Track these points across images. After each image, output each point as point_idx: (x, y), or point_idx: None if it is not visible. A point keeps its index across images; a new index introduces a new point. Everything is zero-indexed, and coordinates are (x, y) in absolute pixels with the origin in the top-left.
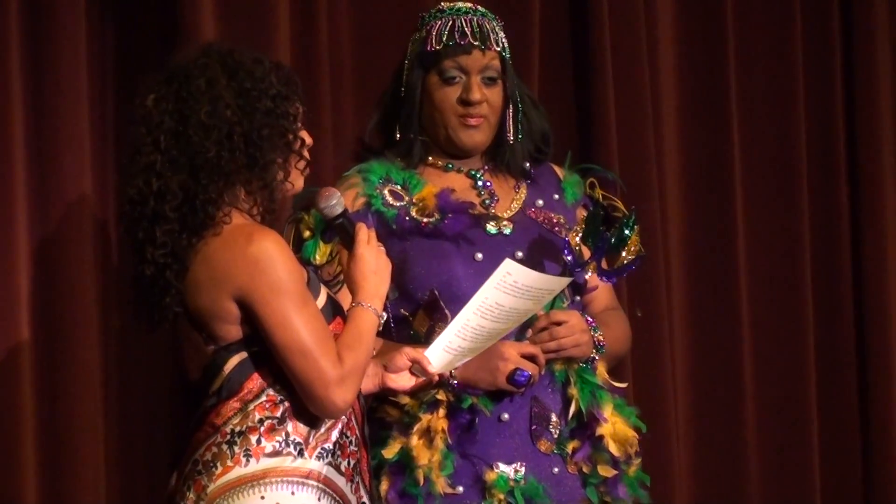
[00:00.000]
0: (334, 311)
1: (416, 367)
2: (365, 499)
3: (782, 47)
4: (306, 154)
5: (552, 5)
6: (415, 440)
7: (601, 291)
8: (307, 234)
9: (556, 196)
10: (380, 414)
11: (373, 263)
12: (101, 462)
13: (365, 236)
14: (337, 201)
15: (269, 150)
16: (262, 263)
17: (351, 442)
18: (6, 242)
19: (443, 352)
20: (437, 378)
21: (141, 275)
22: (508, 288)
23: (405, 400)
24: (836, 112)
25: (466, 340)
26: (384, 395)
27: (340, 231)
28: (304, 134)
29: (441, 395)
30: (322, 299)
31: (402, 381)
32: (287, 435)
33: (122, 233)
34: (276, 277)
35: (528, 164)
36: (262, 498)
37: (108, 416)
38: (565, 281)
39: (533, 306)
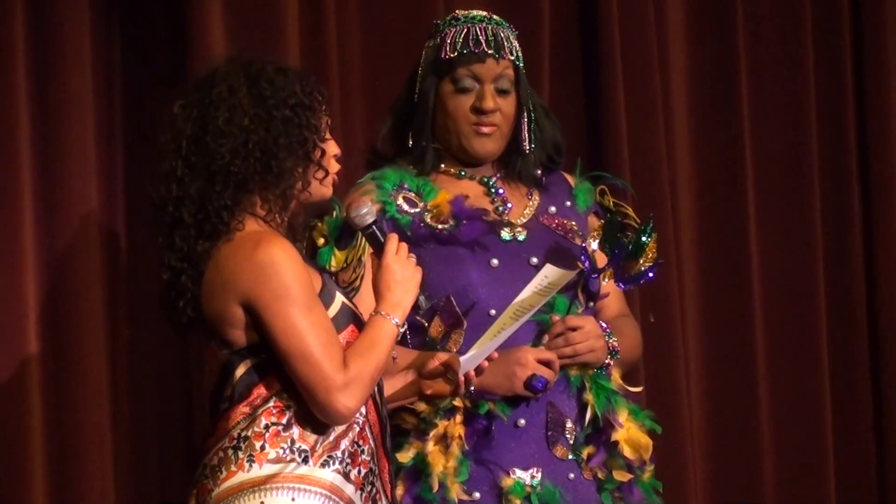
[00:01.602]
0: (350, 318)
1: (451, 372)
2: None
3: (793, 51)
4: (333, 164)
5: (562, 12)
6: (431, 446)
7: (613, 298)
8: (321, 241)
9: (568, 203)
10: (396, 421)
11: (398, 274)
12: (109, 472)
13: (394, 247)
14: (367, 211)
15: (285, 158)
16: (266, 269)
17: (363, 451)
18: (14, 252)
19: (475, 353)
20: (462, 380)
21: (161, 279)
22: (542, 290)
23: (421, 407)
24: (848, 114)
25: (494, 340)
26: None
27: (371, 241)
28: (331, 144)
29: (458, 402)
30: (336, 307)
31: (437, 385)
32: (292, 442)
33: (136, 240)
34: (281, 283)
35: (539, 172)
36: (262, 503)
37: (116, 426)
38: (572, 273)
39: (545, 300)
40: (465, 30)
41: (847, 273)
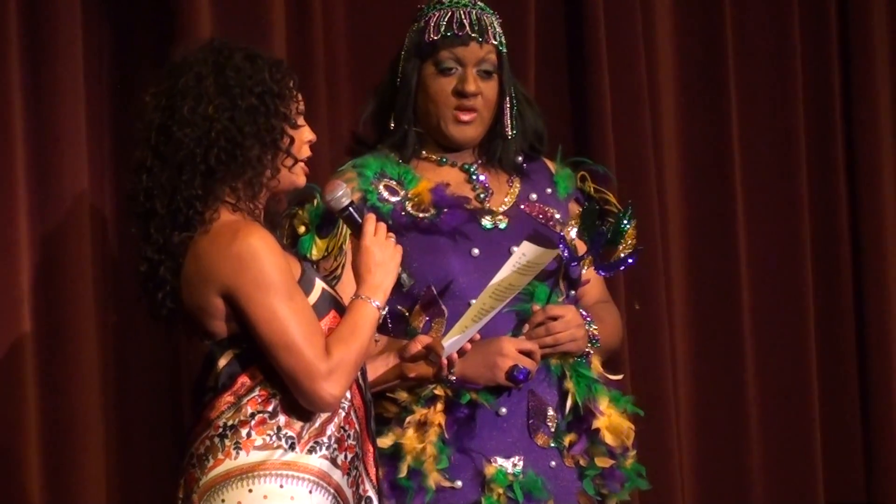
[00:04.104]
0: (330, 304)
1: (433, 355)
2: (370, 492)
3: (780, 37)
4: (305, 151)
5: None
6: (409, 432)
7: (593, 285)
8: (302, 229)
9: (549, 190)
10: (377, 410)
11: (378, 256)
12: (101, 454)
13: (372, 228)
14: (342, 193)
15: (251, 146)
16: (245, 259)
17: (349, 436)
18: (7, 239)
19: (458, 337)
20: (445, 363)
21: (137, 271)
22: (521, 268)
23: (403, 396)
24: (835, 103)
25: (477, 322)
26: (381, 392)
27: (348, 222)
28: (304, 131)
29: (439, 391)
30: (316, 294)
31: (419, 369)
32: (279, 429)
33: (125, 227)
34: (260, 273)
35: (520, 159)
36: (250, 491)
37: (107, 410)
38: (554, 252)
39: (527, 280)
40: (450, 13)
41: (834, 259)
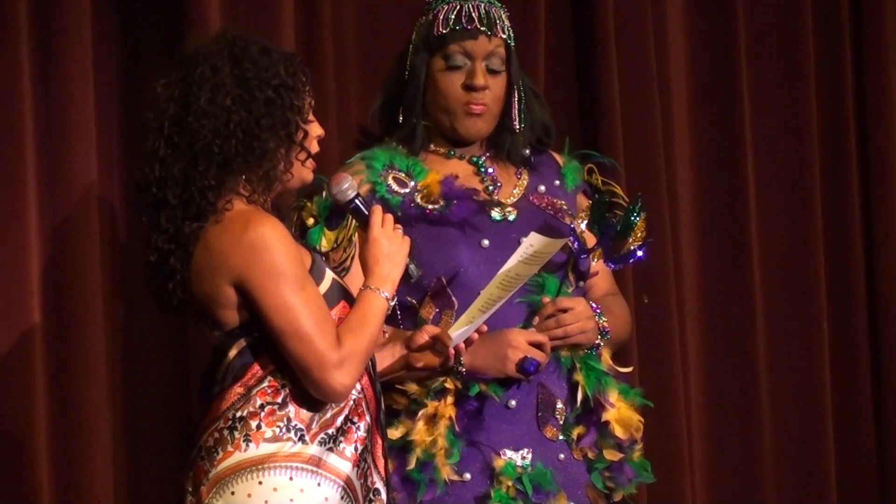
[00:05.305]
0: (340, 295)
1: (439, 345)
2: (378, 485)
3: (793, 31)
4: (315, 146)
5: None
6: (419, 425)
7: (601, 277)
8: (311, 221)
9: (557, 182)
10: (387, 402)
11: (385, 247)
12: (109, 446)
13: (379, 219)
14: (348, 185)
15: (268, 139)
16: (258, 248)
17: (359, 427)
18: (17, 231)
19: (466, 328)
20: (452, 353)
21: (147, 261)
22: (528, 258)
23: (412, 388)
24: (847, 97)
25: (485, 313)
26: (391, 383)
27: (355, 215)
28: (314, 126)
29: (449, 384)
30: (326, 284)
31: (426, 359)
32: (288, 420)
33: (134, 218)
34: (273, 262)
35: (527, 152)
36: (260, 483)
37: (116, 402)
38: (561, 242)
39: (535, 270)
40: (458, 7)
41: (847, 254)
